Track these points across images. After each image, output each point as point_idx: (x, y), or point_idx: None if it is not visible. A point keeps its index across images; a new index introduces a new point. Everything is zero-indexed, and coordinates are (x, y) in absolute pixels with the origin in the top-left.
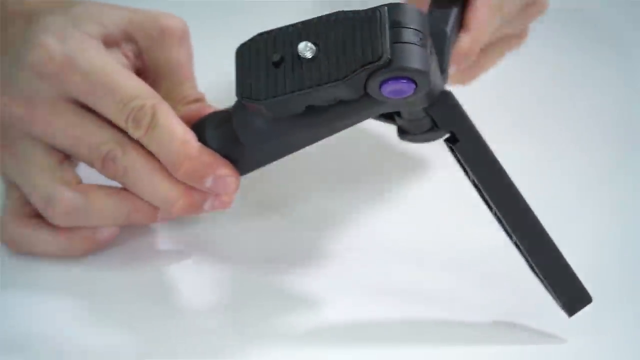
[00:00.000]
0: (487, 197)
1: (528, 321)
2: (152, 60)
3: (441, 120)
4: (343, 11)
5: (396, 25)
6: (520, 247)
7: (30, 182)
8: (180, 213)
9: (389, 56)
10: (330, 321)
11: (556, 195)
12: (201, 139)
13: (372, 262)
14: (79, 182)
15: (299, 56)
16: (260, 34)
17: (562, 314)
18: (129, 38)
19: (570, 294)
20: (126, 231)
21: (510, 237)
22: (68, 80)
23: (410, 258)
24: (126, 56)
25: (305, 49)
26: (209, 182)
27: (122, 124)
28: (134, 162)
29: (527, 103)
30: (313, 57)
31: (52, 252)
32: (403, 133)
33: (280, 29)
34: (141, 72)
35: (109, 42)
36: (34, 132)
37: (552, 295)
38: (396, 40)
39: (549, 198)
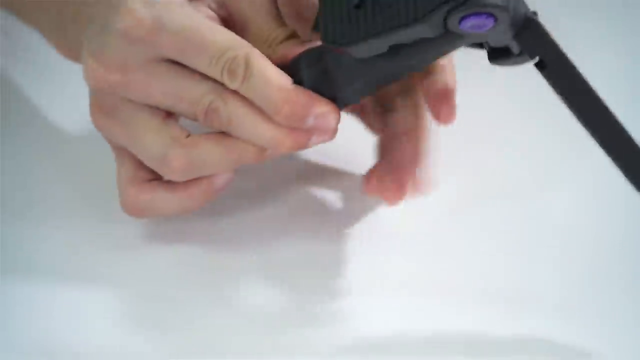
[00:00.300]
0: (580, 121)
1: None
2: (236, 7)
3: (527, 48)
4: None
5: None
6: (619, 168)
7: (141, 145)
8: (288, 151)
9: None
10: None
11: (556, 194)
12: (297, 78)
13: (373, 255)
14: (187, 135)
15: None
16: None
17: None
18: None
19: None
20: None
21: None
22: (159, 42)
23: (413, 251)
24: (210, 8)
25: None
26: (310, 121)
27: (217, 77)
28: (236, 111)
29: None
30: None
31: (175, 211)
32: (494, 58)
33: None
34: (227, 20)
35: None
36: (133, 96)
37: None
38: None
39: (549, 198)
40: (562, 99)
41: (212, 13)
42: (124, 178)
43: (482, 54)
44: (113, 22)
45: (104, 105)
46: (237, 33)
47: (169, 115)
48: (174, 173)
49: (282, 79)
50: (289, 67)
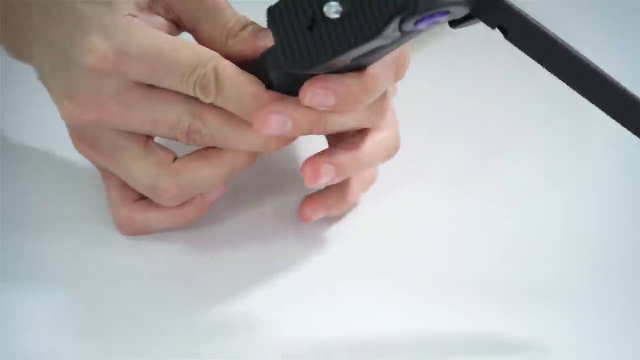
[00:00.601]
0: (560, 78)
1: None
2: (183, 8)
3: (486, 19)
4: None
5: None
6: (598, 106)
7: (129, 175)
8: (278, 149)
9: (414, 2)
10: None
11: (558, 194)
12: (265, 78)
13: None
14: (174, 158)
15: (327, 18)
16: None
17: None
18: None
19: None
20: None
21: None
22: (126, 70)
23: (410, 250)
24: (159, 14)
25: (330, 10)
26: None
27: (191, 94)
28: (217, 126)
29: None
30: (341, 17)
31: (169, 227)
32: (455, 25)
33: None
34: (177, 23)
35: (142, 8)
36: (112, 127)
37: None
38: None
39: (550, 198)
40: (535, 59)
41: (164, 21)
42: (114, 199)
43: (480, 56)
44: (78, 59)
45: (85, 137)
46: (188, 31)
47: (150, 137)
48: (167, 201)
49: (254, 87)
50: (257, 67)
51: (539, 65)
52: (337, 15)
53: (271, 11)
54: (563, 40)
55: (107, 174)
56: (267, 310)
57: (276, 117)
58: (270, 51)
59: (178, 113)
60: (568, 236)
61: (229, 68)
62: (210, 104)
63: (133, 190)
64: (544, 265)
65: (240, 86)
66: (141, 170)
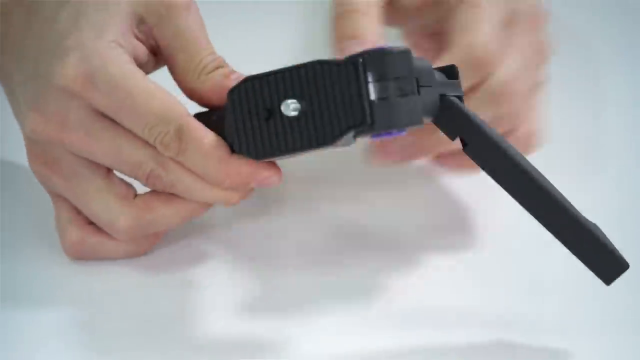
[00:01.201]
0: (510, 194)
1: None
2: (164, 36)
3: (447, 129)
4: (322, 61)
5: (377, 78)
6: (551, 232)
7: (86, 204)
8: (239, 202)
9: (371, 119)
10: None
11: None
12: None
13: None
14: (134, 194)
15: (283, 115)
16: (249, 79)
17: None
18: (139, 20)
19: (605, 264)
20: None
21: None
22: (92, 98)
23: (413, 259)
24: (140, 40)
25: (289, 108)
26: (254, 186)
27: (152, 143)
28: (178, 177)
29: None
30: (298, 116)
31: (119, 256)
32: None
33: (267, 76)
34: (155, 50)
35: (125, 32)
36: (73, 151)
37: (589, 268)
38: (378, 96)
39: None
40: (490, 174)
41: (144, 49)
42: (64, 221)
43: None
44: (51, 75)
45: (44, 155)
46: (165, 62)
47: (111, 170)
48: (122, 236)
49: (220, 151)
50: (221, 116)
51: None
52: (294, 114)
53: (231, 92)
54: (522, 159)
55: (58, 197)
56: (253, 326)
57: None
58: (227, 118)
59: (141, 156)
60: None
61: (195, 129)
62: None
63: (85, 216)
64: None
65: (206, 150)
66: (101, 203)
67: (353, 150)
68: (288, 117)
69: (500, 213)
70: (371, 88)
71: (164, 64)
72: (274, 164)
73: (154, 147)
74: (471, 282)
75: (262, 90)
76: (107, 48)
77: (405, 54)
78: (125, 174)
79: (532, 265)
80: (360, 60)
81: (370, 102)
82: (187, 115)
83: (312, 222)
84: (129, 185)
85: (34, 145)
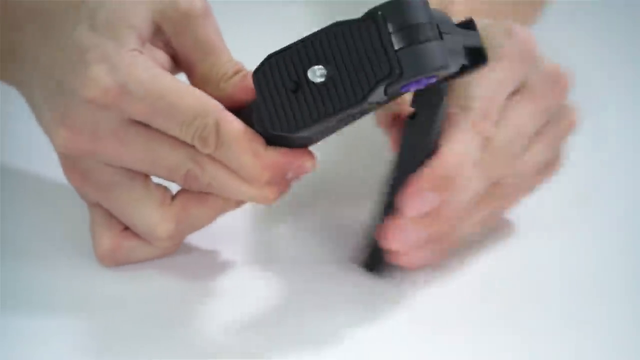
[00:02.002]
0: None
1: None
2: (182, 44)
3: (421, 97)
4: (340, 22)
5: (398, 27)
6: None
7: (124, 214)
8: (276, 200)
9: (399, 68)
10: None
11: (558, 193)
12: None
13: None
14: (169, 195)
15: (310, 82)
16: (271, 56)
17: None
18: (157, 30)
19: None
20: None
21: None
22: (126, 107)
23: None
24: (159, 47)
25: (315, 75)
26: (289, 176)
27: (189, 142)
28: (215, 175)
29: None
30: (325, 81)
31: (155, 257)
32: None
33: (288, 49)
34: (174, 59)
35: (144, 40)
36: (107, 161)
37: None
38: (402, 44)
39: (551, 198)
40: (400, 147)
41: (165, 57)
42: (98, 227)
43: None
44: (78, 89)
45: (77, 168)
46: (183, 70)
47: (148, 176)
48: (162, 242)
49: (255, 144)
50: (247, 115)
51: None
52: (321, 79)
53: (256, 73)
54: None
55: (93, 204)
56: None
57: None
58: (254, 107)
59: (177, 157)
60: (569, 236)
61: (231, 122)
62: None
63: (118, 220)
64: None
65: (242, 144)
66: (140, 212)
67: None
68: (316, 84)
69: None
70: (394, 38)
71: (182, 71)
72: (307, 150)
73: (189, 147)
74: (471, 282)
75: (286, 63)
76: (131, 56)
77: (422, 1)
78: (162, 178)
79: (533, 266)
80: (379, 12)
81: (395, 52)
82: (222, 109)
83: (336, 229)
84: (166, 189)
85: (67, 159)
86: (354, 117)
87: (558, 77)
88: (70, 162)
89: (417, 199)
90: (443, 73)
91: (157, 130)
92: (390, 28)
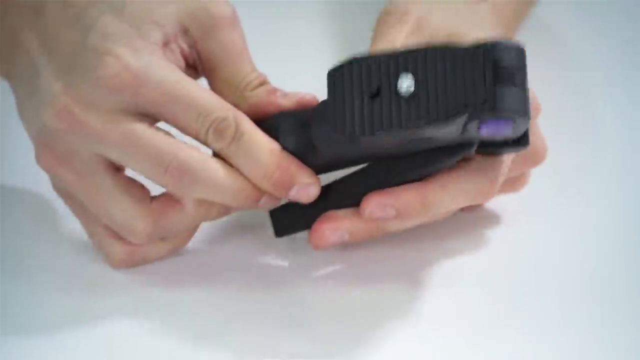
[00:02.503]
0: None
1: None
2: (207, 49)
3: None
4: (440, 45)
5: (498, 66)
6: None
7: (100, 206)
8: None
9: (494, 101)
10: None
11: (557, 193)
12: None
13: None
14: (148, 195)
15: (397, 91)
16: (354, 60)
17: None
18: (183, 31)
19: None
20: None
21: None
22: (142, 92)
23: (416, 277)
24: (182, 50)
25: (405, 84)
26: (293, 191)
27: (199, 136)
28: (215, 172)
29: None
30: (412, 94)
31: (165, 255)
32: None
33: (375, 57)
34: (196, 63)
35: (167, 41)
36: (94, 145)
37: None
38: (498, 82)
39: (551, 198)
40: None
41: (183, 61)
42: (104, 236)
43: None
44: (98, 66)
45: (57, 149)
46: (205, 74)
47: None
48: (137, 240)
49: (273, 144)
50: (268, 128)
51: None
52: (409, 91)
53: (332, 73)
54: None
55: (85, 213)
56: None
57: (333, 233)
58: (283, 117)
59: (162, 144)
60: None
61: (249, 122)
62: (195, 148)
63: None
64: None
65: (260, 140)
66: (118, 205)
67: None
68: (400, 95)
69: (500, 215)
70: (495, 74)
71: (199, 77)
72: (316, 176)
73: (177, 140)
74: (471, 282)
75: (371, 69)
76: (154, 48)
77: (522, 49)
78: (146, 174)
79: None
80: (488, 46)
81: (494, 85)
82: (239, 111)
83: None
84: (145, 188)
85: (47, 138)
86: (416, 148)
87: (538, 156)
88: (49, 141)
89: (380, 209)
90: (520, 127)
91: (158, 129)
92: (494, 64)
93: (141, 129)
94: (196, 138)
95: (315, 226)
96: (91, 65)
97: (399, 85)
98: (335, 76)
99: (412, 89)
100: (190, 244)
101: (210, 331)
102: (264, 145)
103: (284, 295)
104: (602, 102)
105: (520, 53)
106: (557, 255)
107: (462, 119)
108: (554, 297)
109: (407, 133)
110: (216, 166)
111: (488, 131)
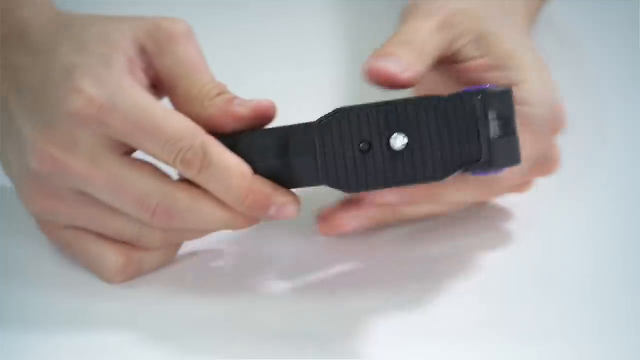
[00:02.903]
0: None
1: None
2: (164, 65)
3: None
4: (430, 97)
5: (491, 117)
6: None
7: (104, 224)
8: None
9: (490, 156)
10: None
11: (557, 192)
12: (256, 164)
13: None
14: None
15: (388, 146)
16: (341, 111)
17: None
18: (141, 50)
19: None
20: None
21: None
22: (109, 122)
23: (419, 275)
24: (143, 70)
25: (398, 141)
26: (272, 212)
27: (170, 164)
28: (190, 204)
29: None
30: (405, 150)
31: (158, 266)
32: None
33: (364, 108)
34: (156, 80)
35: (131, 62)
36: (74, 182)
37: None
38: (492, 134)
39: (552, 196)
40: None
41: (145, 80)
42: (98, 250)
43: None
44: (62, 101)
45: (46, 188)
46: (166, 93)
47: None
48: (153, 245)
49: (243, 168)
50: (242, 147)
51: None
52: (402, 147)
53: (324, 124)
54: None
55: (70, 231)
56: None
57: (354, 221)
58: (261, 137)
59: (147, 186)
60: (569, 236)
61: (218, 146)
62: (182, 182)
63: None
64: None
65: (230, 165)
66: (118, 220)
67: None
68: (393, 150)
69: (499, 216)
70: (491, 125)
71: (162, 97)
72: (293, 194)
73: (161, 179)
74: (471, 286)
75: (360, 122)
76: (118, 74)
77: (509, 92)
78: (129, 212)
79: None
80: (479, 97)
81: (489, 139)
82: (206, 133)
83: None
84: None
85: (34, 181)
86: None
87: (553, 167)
88: (37, 183)
89: (392, 196)
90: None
91: (134, 159)
92: (489, 115)
93: (125, 168)
94: (169, 165)
95: (329, 214)
96: (58, 103)
97: (391, 143)
98: (324, 128)
99: (404, 145)
100: (187, 252)
101: (204, 342)
102: (233, 170)
103: (282, 304)
104: (610, 103)
105: (508, 97)
106: (567, 256)
107: (457, 174)
108: (557, 299)
109: (401, 186)
110: (204, 203)
111: (478, 174)
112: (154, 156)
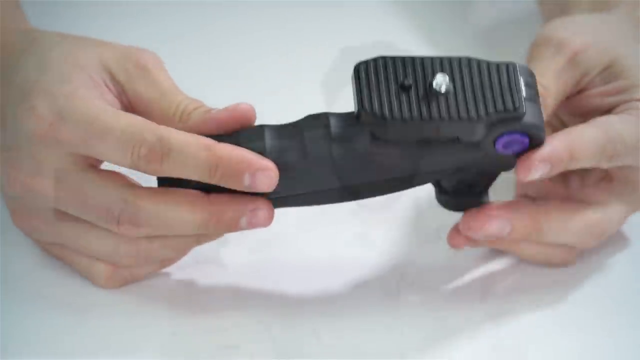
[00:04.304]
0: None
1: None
2: (137, 91)
3: None
4: (473, 58)
5: (525, 83)
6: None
7: (82, 245)
8: (218, 233)
9: (524, 110)
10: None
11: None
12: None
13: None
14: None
15: (431, 87)
16: (383, 57)
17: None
18: (110, 76)
19: None
20: None
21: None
22: (61, 135)
23: (420, 283)
24: (115, 95)
25: (442, 81)
26: (247, 180)
27: (131, 165)
28: (152, 211)
29: None
30: (446, 92)
31: (152, 271)
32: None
33: (408, 58)
34: (129, 106)
35: (96, 83)
36: (43, 201)
37: None
38: (526, 96)
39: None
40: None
41: (117, 102)
42: (87, 259)
43: None
44: (19, 122)
45: (24, 207)
46: (142, 115)
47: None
48: (100, 283)
49: (205, 140)
50: (245, 135)
51: None
52: (445, 89)
53: (360, 64)
54: None
55: (56, 247)
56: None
57: (497, 222)
58: (258, 131)
59: (109, 195)
60: None
61: (174, 131)
62: (147, 189)
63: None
64: None
65: (191, 142)
66: (94, 240)
67: None
68: (434, 91)
69: None
70: (522, 88)
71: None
72: (264, 200)
73: (124, 187)
74: (472, 290)
75: (405, 66)
76: (72, 89)
77: (534, 73)
78: (99, 223)
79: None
80: (516, 65)
81: (524, 97)
82: (161, 126)
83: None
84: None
85: (11, 202)
86: (414, 163)
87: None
88: (15, 204)
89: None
90: (535, 143)
91: (97, 171)
92: (522, 80)
93: (88, 180)
94: (135, 169)
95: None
96: (16, 123)
97: (435, 82)
98: (360, 69)
99: (447, 88)
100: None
101: (203, 354)
102: (194, 145)
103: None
104: None
105: (533, 77)
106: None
107: (489, 121)
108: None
109: (434, 126)
110: (168, 207)
111: (501, 147)
112: (116, 162)
